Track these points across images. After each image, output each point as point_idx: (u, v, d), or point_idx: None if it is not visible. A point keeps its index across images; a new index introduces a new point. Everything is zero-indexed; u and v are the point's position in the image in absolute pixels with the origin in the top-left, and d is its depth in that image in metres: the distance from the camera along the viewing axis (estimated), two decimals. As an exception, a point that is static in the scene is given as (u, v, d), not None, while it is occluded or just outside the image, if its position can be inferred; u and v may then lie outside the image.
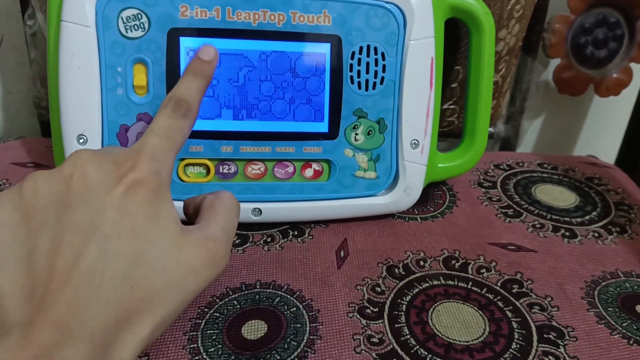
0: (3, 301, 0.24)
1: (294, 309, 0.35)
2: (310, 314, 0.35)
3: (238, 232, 0.42)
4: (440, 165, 0.48)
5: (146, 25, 0.38)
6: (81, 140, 0.38)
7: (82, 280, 0.24)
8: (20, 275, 0.24)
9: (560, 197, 0.51)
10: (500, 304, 0.37)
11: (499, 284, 0.39)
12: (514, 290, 0.38)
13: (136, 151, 0.28)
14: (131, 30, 0.38)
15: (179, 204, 0.33)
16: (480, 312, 0.36)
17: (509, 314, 0.36)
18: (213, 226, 0.29)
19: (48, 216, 0.26)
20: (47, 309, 0.23)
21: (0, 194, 0.27)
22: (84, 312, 0.23)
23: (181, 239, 0.27)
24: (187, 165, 0.41)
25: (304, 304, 0.36)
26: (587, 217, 0.48)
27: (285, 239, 0.42)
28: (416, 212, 0.47)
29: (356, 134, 0.42)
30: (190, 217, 0.33)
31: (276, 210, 0.43)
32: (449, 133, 0.61)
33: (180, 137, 0.31)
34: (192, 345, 0.32)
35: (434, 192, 0.50)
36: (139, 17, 0.37)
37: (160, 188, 0.28)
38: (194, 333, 0.33)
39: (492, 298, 0.37)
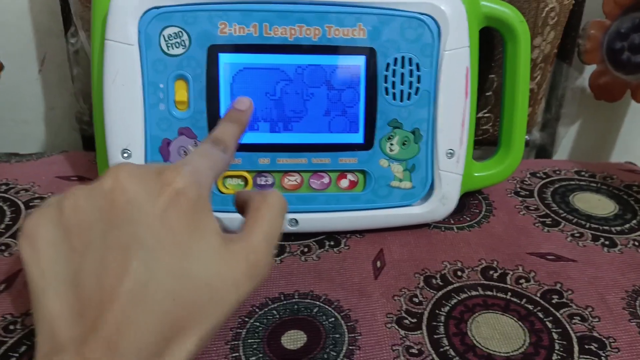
0: (53, 322, 0.25)
1: (333, 319, 0.36)
2: (349, 324, 0.35)
3: (276, 242, 0.43)
4: (476, 174, 0.48)
5: (187, 43, 0.39)
6: (125, 154, 0.40)
7: (129, 299, 0.24)
8: (69, 296, 0.25)
9: (599, 205, 0.50)
10: (540, 314, 0.37)
11: (538, 294, 0.38)
12: (553, 301, 0.38)
13: (179, 164, 0.29)
14: (172, 48, 0.39)
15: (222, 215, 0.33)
16: (520, 322, 0.36)
17: (549, 325, 0.36)
18: (255, 235, 0.29)
19: (92, 236, 0.26)
20: (97, 329, 0.23)
21: (39, 211, 0.27)
22: (133, 330, 0.24)
23: (222, 251, 0.27)
24: (225, 177, 0.42)
25: (342, 314, 0.36)
26: (627, 226, 0.47)
27: (322, 249, 0.43)
28: (452, 221, 0.47)
29: (391, 145, 0.42)
30: (239, 210, 0.33)
31: (312, 221, 0.43)
32: (484, 141, 0.61)
33: (220, 163, 0.31)
34: (234, 354, 0.33)
35: (470, 201, 0.50)
36: (180, 35, 0.39)
37: (200, 198, 0.28)
38: (236, 342, 0.34)
39: (531, 309, 0.37)
